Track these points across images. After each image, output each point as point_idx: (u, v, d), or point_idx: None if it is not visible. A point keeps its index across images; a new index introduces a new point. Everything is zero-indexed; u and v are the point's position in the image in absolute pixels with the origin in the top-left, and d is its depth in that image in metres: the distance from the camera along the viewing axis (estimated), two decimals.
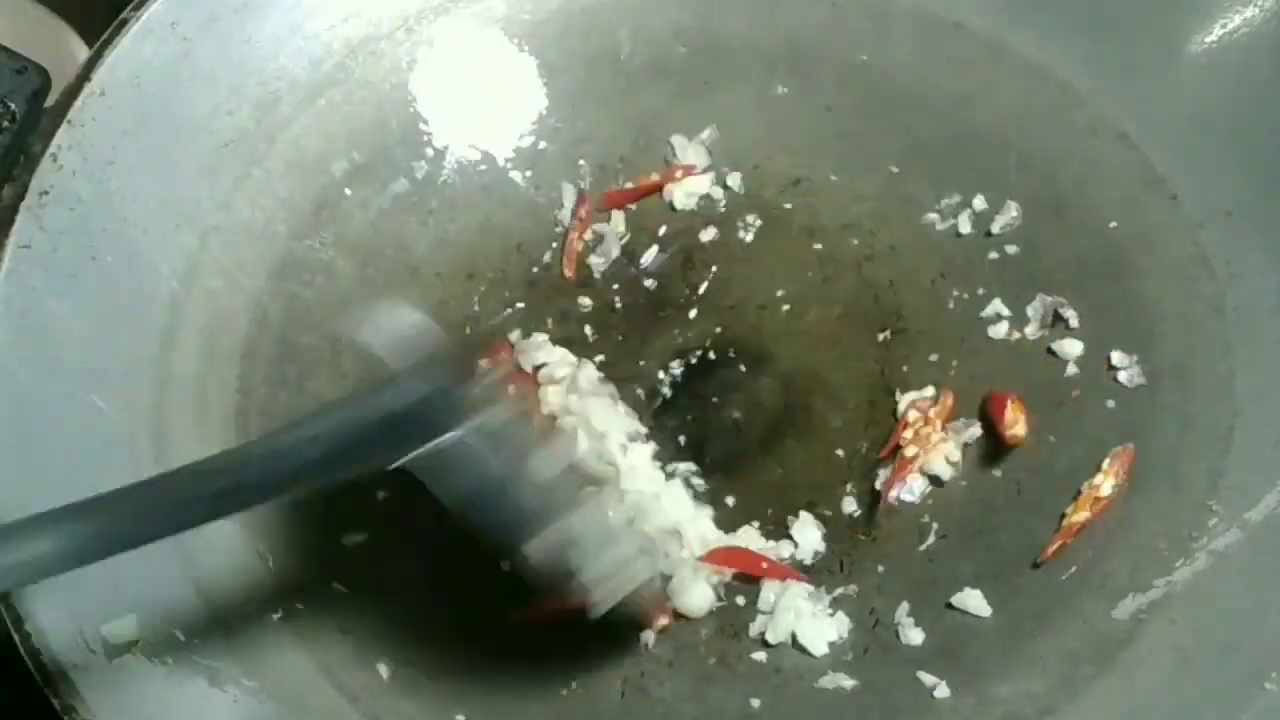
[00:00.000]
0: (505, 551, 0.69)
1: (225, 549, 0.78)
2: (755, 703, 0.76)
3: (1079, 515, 0.77)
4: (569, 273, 0.90)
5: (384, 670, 0.77)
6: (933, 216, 0.89)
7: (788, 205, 0.91)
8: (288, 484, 0.61)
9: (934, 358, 0.85)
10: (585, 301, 0.89)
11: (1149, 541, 0.76)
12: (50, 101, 0.81)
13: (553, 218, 0.92)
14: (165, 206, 0.84)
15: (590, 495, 0.73)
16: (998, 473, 0.81)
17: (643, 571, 0.72)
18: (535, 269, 0.91)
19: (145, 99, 0.83)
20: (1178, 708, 0.69)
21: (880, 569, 0.79)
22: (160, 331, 0.82)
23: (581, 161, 0.93)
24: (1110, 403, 0.81)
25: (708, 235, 0.91)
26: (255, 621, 0.76)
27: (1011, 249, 0.87)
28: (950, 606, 0.77)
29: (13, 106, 0.79)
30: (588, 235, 0.91)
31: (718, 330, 0.88)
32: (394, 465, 0.61)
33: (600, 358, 0.87)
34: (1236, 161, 0.82)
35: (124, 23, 0.83)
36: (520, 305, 0.90)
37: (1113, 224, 0.85)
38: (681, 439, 0.85)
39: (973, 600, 0.76)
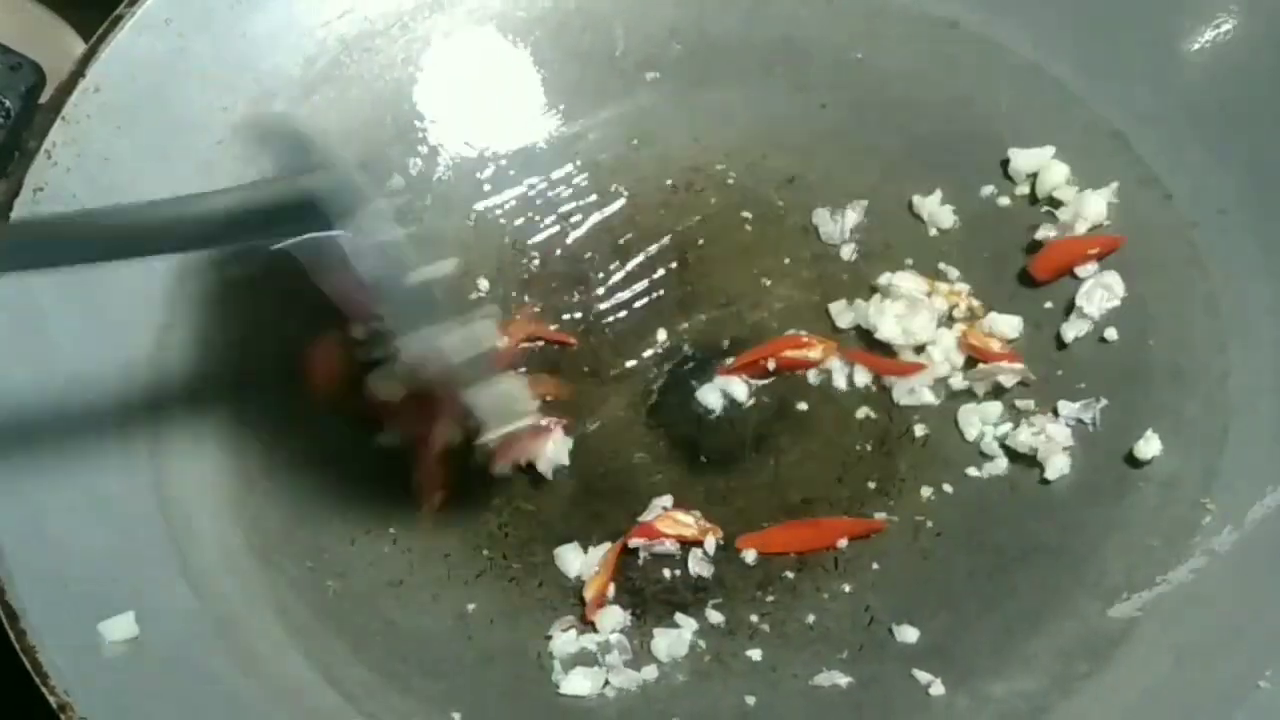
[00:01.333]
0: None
1: (222, 549, 0.78)
2: (751, 700, 0.75)
3: None
4: None
5: (379, 668, 0.76)
6: (925, 213, 0.88)
7: (781, 202, 0.90)
8: (189, 240, 0.67)
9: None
10: (577, 299, 0.89)
11: (1144, 540, 0.76)
12: (45, 97, 0.80)
13: (546, 215, 0.91)
14: None
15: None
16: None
17: (523, 414, 0.77)
18: (529, 266, 0.90)
19: (140, 95, 0.83)
20: (1173, 706, 0.69)
21: (875, 566, 0.79)
22: (156, 329, 0.82)
23: (577, 159, 0.92)
24: (1104, 401, 0.80)
25: (702, 232, 0.90)
26: (252, 620, 0.76)
27: (1006, 246, 0.86)
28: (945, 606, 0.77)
29: (7, 103, 0.79)
30: None
31: (711, 327, 0.87)
32: (280, 245, 0.66)
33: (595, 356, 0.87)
34: (1230, 160, 0.81)
35: (119, 19, 0.82)
36: (512, 302, 0.89)
37: (1106, 222, 0.84)
38: (674, 437, 0.84)
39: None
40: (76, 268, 0.65)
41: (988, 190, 0.88)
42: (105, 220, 0.66)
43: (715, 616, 0.78)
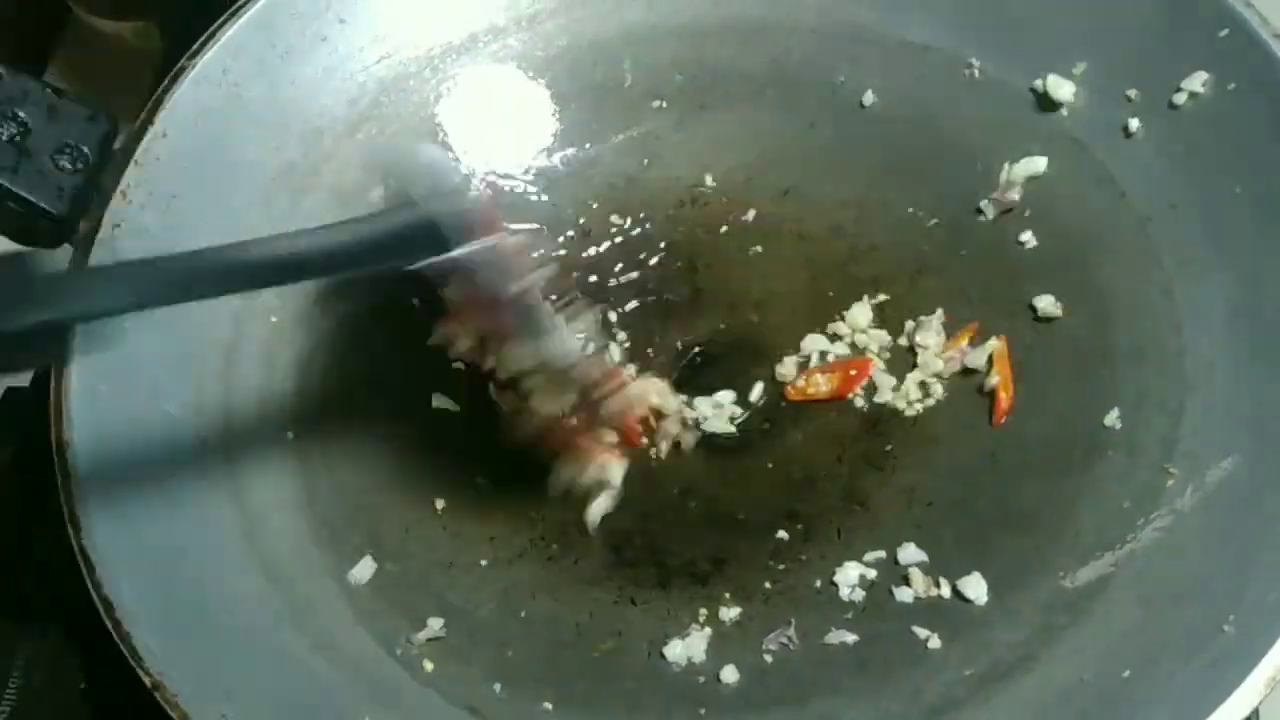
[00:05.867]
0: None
1: (293, 542, 0.78)
2: (768, 658, 0.75)
3: None
4: None
5: (433, 641, 0.76)
6: (908, 219, 0.88)
7: (778, 212, 0.90)
8: (304, 268, 0.67)
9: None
10: (598, 305, 0.88)
11: (1114, 503, 0.75)
12: (119, 144, 0.80)
13: (567, 231, 0.91)
14: (224, 234, 0.80)
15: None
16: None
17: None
18: (552, 279, 0.90)
19: (203, 138, 0.83)
20: (1145, 652, 0.68)
21: (875, 536, 0.79)
22: (224, 345, 0.82)
23: (593, 179, 0.92)
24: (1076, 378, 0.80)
25: (708, 241, 0.90)
26: (320, 602, 0.76)
27: (981, 245, 0.86)
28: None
29: (86, 149, 0.79)
30: None
31: (721, 327, 0.87)
32: (402, 269, 0.66)
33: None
34: (1178, 161, 0.81)
35: (182, 70, 0.82)
36: None
37: (1069, 220, 0.84)
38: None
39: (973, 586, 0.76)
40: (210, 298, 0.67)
41: (961, 193, 0.87)
42: (229, 255, 0.66)
43: (730, 583, 0.78)
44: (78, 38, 1.16)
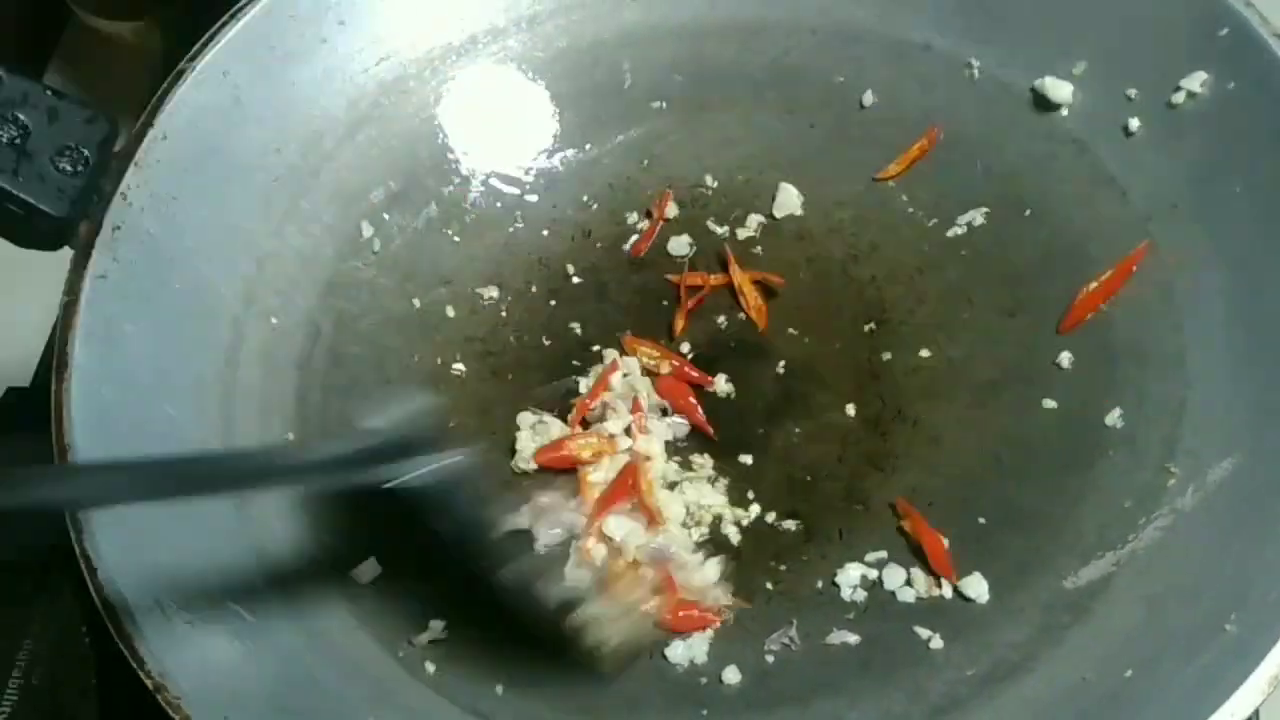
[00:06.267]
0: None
1: (294, 548, 0.78)
2: (770, 659, 0.75)
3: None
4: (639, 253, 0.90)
5: (434, 642, 0.76)
6: (909, 218, 0.88)
7: (779, 214, 0.90)
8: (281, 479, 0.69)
9: (915, 346, 0.84)
10: (599, 306, 0.89)
11: (1114, 503, 0.75)
12: (119, 146, 0.80)
13: (569, 232, 0.91)
14: (225, 236, 0.83)
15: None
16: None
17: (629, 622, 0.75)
18: (554, 279, 0.90)
19: (203, 141, 0.82)
20: (1147, 651, 0.68)
21: (876, 536, 0.79)
22: (225, 348, 0.81)
23: (594, 181, 0.92)
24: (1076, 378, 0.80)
25: (709, 241, 0.90)
26: (323, 607, 0.76)
27: (982, 244, 0.86)
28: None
29: (85, 152, 0.78)
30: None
31: (722, 327, 0.87)
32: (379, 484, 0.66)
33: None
34: (1179, 161, 0.80)
35: (181, 73, 0.82)
36: (542, 311, 0.89)
37: (1070, 219, 0.84)
38: (693, 423, 0.84)
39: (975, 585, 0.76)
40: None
41: (961, 193, 0.87)
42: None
43: (731, 583, 0.78)
44: (78, 38, 1.16)
